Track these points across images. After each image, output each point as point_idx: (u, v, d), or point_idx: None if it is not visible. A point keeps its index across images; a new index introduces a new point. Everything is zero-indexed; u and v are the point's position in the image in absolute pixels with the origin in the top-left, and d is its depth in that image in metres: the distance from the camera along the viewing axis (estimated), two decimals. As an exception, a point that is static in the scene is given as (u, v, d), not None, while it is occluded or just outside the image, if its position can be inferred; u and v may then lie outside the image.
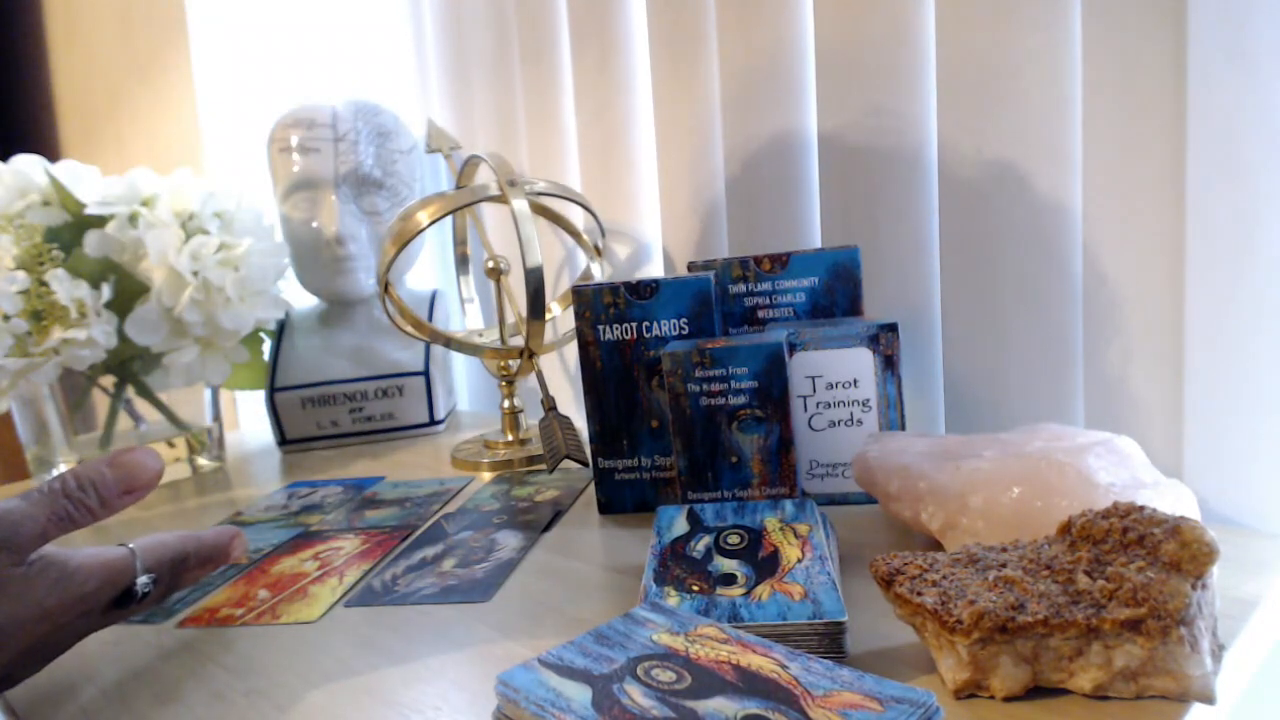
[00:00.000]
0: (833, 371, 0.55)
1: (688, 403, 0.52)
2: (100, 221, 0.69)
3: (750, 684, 0.30)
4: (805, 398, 0.55)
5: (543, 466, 0.72)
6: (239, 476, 0.79)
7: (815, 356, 0.55)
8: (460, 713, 0.35)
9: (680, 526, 0.46)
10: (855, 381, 0.54)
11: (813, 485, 0.56)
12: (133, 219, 0.70)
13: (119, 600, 0.38)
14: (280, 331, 0.90)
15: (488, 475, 0.71)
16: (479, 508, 0.62)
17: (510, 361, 0.75)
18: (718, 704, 0.29)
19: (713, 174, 0.76)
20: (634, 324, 0.56)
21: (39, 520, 0.35)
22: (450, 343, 0.74)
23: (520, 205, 0.66)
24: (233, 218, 0.75)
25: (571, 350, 0.93)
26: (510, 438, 0.75)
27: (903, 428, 0.55)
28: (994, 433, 0.49)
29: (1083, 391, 0.57)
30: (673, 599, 0.38)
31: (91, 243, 0.68)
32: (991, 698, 0.32)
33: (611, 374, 0.57)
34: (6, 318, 0.65)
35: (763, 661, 0.31)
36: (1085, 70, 0.54)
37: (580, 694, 0.30)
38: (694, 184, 0.78)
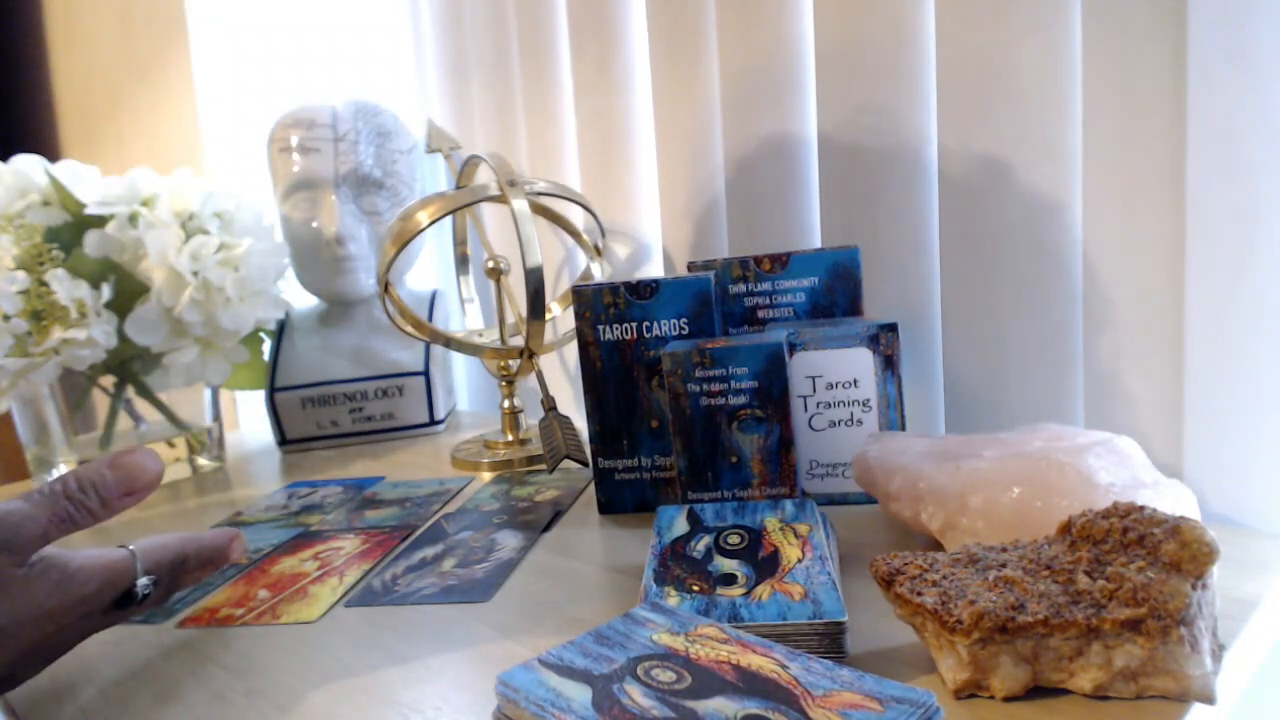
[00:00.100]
0: (833, 371, 0.55)
1: (688, 403, 0.52)
2: (100, 221, 0.69)
3: (750, 684, 0.30)
4: (805, 398, 0.55)
5: (543, 466, 0.72)
6: (239, 476, 0.79)
7: (815, 356, 0.55)
8: (460, 713, 0.35)
9: (680, 526, 0.46)
10: (855, 381, 0.54)
11: (813, 485, 0.56)
12: (133, 219, 0.70)
13: (119, 601, 0.38)
14: (280, 331, 0.90)
15: (488, 475, 0.71)
16: (479, 508, 0.62)
17: (510, 361, 0.75)
18: (718, 704, 0.29)
19: (712, 174, 0.76)
20: (634, 324, 0.56)
21: (40, 522, 0.35)
22: (450, 343, 0.74)
23: (520, 205, 0.66)
24: (233, 218, 0.75)
25: (571, 350, 0.93)
26: (510, 438, 0.75)
27: (903, 428, 0.55)
28: (994, 433, 0.49)
29: (1082, 391, 0.57)
30: (673, 599, 0.38)
31: (91, 243, 0.68)
32: (991, 698, 0.32)
33: (611, 374, 0.57)
34: (6, 318, 0.65)
35: (763, 661, 0.31)
36: (1085, 70, 0.54)
37: (580, 694, 0.30)
38: (694, 184, 0.78)
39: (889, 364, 0.54)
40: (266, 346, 0.88)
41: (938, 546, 0.46)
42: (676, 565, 0.42)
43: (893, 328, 0.53)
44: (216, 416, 0.81)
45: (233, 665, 0.41)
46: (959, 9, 0.58)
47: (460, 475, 0.72)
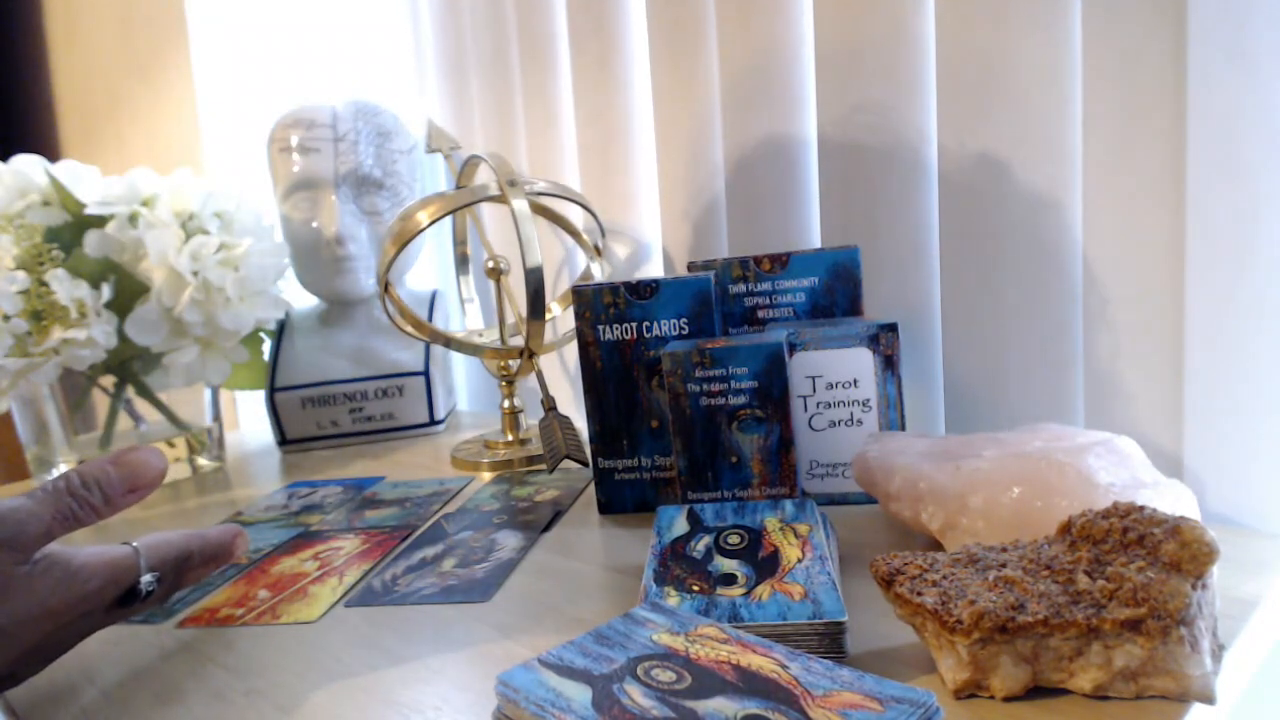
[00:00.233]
0: (833, 371, 0.55)
1: (688, 403, 0.52)
2: (100, 221, 0.69)
3: (750, 684, 0.30)
4: (805, 398, 0.55)
5: (543, 466, 0.72)
6: (239, 476, 0.79)
7: (815, 356, 0.55)
8: (460, 713, 0.35)
9: (680, 526, 0.46)
10: (855, 381, 0.54)
11: (813, 485, 0.56)
12: (133, 219, 0.70)
13: (123, 599, 0.38)
14: (280, 331, 0.90)
15: (488, 475, 0.71)
16: (479, 508, 0.62)
17: (510, 361, 0.75)
18: (718, 704, 0.29)
19: (712, 174, 0.76)
20: (634, 324, 0.56)
21: (44, 519, 0.35)
22: (450, 343, 0.74)
23: (520, 205, 0.66)
24: (233, 218, 0.75)
25: (571, 350, 0.93)
26: (510, 438, 0.75)
27: (903, 428, 0.55)
28: (994, 433, 0.50)
29: (1082, 391, 0.58)
30: (673, 599, 0.38)
31: (91, 243, 0.68)
32: (991, 698, 0.32)
33: (611, 374, 0.57)
34: (6, 318, 0.65)
35: (763, 661, 0.31)
36: (1085, 70, 0.54)
37: (580, 694, 0.30)
38: (693, 184, 0.78)
39: (889, 364, 0.54)
40: (266, 346, 0.88)
41: (938, 546, 0.46)
42: (676, 565, 0.42)
43: (893, 328, 0.53)
44: (216, 416, 0.81)
45: (233, 665, 0.41)
46: (959, 9, 0.58)
47: (460, 475, 0.72)
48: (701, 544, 0.44)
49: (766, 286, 0.62)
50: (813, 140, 0.70)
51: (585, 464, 0.65)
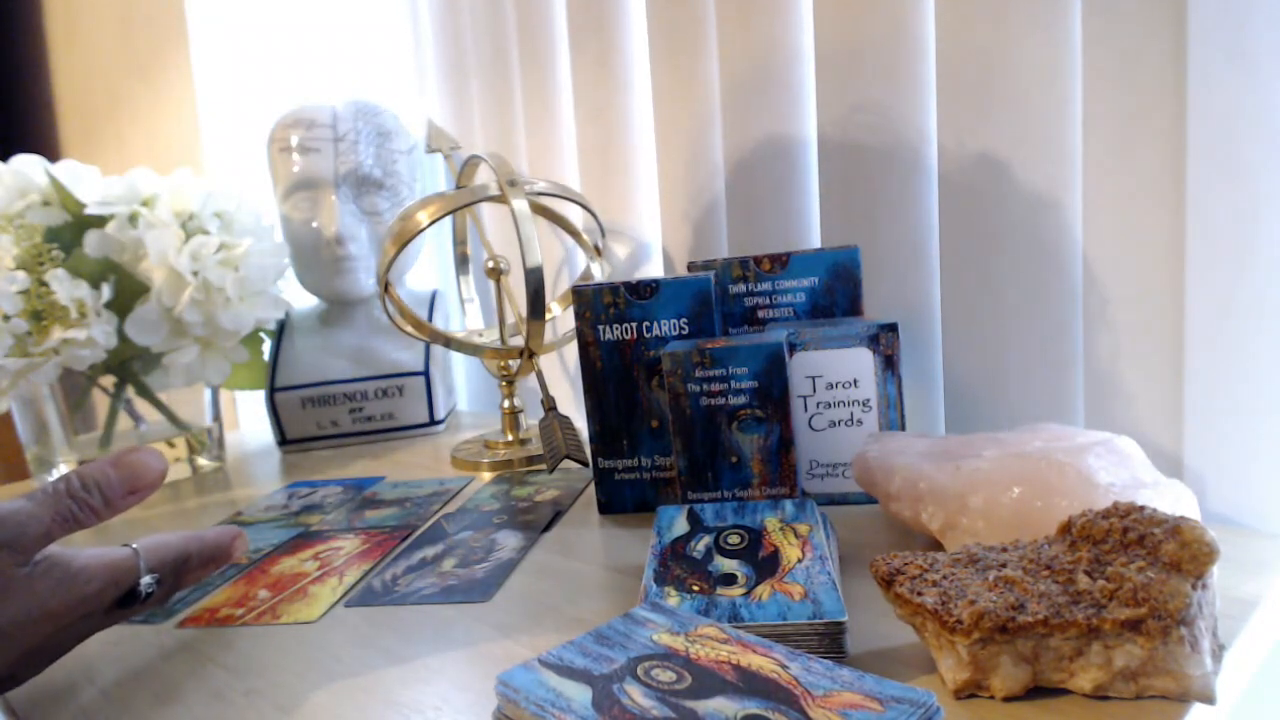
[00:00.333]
0: (833, 371, 0.55)
1: (688, 403, 0.52)
2: (100, 221, 0.69)
3: (750, 684, 0.30)
4: (805, 398, 0.55)
5: (543, 466, 0.72)
6: (239, 476, 0.79)
7: (815, 356, 0.55)
8: (460, 713, 0.35)
9: (680, 526, 0.46)
10: (855, 381, 0.54)
11: (813, 485, 0.56)
12: (133, 219, 0.70)
13: (122, 600, 0.38)
14: (280, 331, 0.90)
15: (488, 475, 0.71)
16: (479, 508, 0.62)
17: (510, 361, 0.75)
18: (718, 704, 0.29)
19: (712, 174, 0.76)
20: (634, 324, 0.56)
21: (44, 521, 0.35)
22: (450, 343, 0.74)
23: (520, 205, 0.66)
24: (233, 218, 0.75)
25: (571, 350, 0.93)
26: (510, 438, 0.75)
27: (903, 428, 0.55)
28: (994, 432, 0.50)
29: (1082, 391, 0.58)
30: (673, 599, 0.38)
31: (91, 243, 0.68)
32: (991, 698, 0.32)
33: (611, 374, 0.57)
34: (6, 318, 0.65)
35: (763, 661, 0.31)
36: (1085, 70, 0.54)
37: (580, 694, 0.30)
38: (693, 184, 0.78)
39: (889, 364, 0.54)
40: (266, 346, 0.88)
41: (938, 546, 0.46)
42: (676, 565, 0.42)
43: (893, 328, 0.53)
44: (216, 416, 0.81)
45: (233, 665, 0.41)
46: (959, 9, 0.58)
47: (460, 475, 0.72)
48: (701, 544, 0.44)
49: (766, 286, 0.62)
50: (813, 140, 0.70)
51: (585, 464, 0.65)
